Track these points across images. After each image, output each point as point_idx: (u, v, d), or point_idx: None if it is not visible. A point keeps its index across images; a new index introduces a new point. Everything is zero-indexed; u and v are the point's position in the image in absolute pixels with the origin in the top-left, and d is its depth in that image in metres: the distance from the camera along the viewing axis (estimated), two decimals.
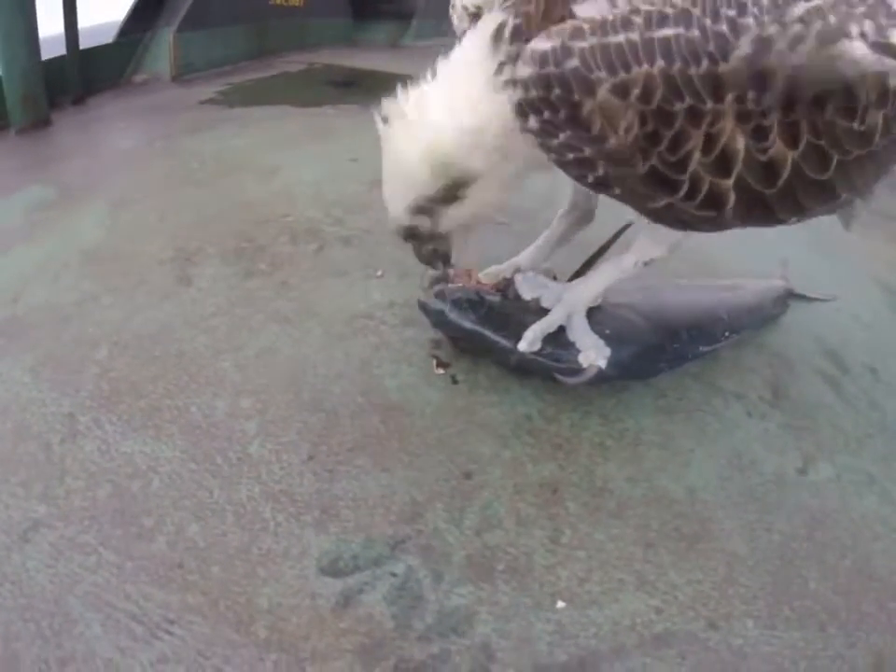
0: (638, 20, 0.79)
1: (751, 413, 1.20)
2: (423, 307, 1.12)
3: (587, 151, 0.84)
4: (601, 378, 1.06)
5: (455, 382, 1.14)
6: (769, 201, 0.87)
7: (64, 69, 2.66)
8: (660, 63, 0.79)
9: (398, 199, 0.98)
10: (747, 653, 0.85)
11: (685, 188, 0.84)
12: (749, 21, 0.79)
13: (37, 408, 1.08)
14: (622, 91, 0.80)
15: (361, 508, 0.95)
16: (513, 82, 0.85)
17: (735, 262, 1.54)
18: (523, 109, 0.85)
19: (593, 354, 1.05)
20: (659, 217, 0.92)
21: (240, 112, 2.67)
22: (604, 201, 1.12)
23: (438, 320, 1.12)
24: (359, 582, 0.86)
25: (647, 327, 1.14)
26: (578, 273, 1.14)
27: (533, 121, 0.85)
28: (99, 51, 2.93)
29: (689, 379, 1.22)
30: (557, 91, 0.81)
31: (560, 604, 0.87)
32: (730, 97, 0.79)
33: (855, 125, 0.83)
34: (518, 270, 1.15)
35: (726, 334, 1.24)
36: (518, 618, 0.85)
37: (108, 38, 3.06)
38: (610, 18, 0.80)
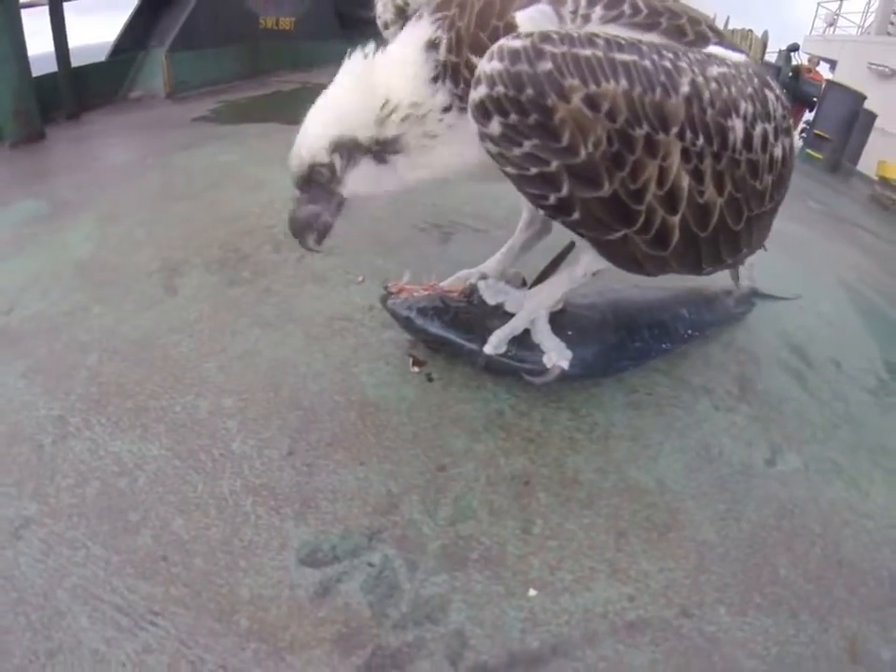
0: (600, 40, 0.80)
1: (719, 407, 1.22)
2: (392, 312, 1.15)
3: (553, 165, 0.80)
4: (566, 377, 1.09)
5: (430, 379, 1.16)
6: (700, 245, 0.94)
7: (58, 85, 2.69)
8: (623, 83, 0.79)
9: (324, 128, 0.92)
10: (719, 640, 0.87)
11: (641, 219, 0.86)
12: (685, 65, 0.84)
13: (30, 411, 1.10)
14: (593, 103, 0.78)
15: (339, 500, 0.97)
16: (476, 80, 0.78)
17: None
18: (485, 109, 0.78)
19: (554, 355, 1.08)
20: (613, 251, 0.92)
21: (231, 129, 2.70)
22: None
23: (406, 325, 1.15)
24: (337, 573, 0.88)
25: (608, 326, 1.18)
26: (539, 280, 1.18)
27: (496, 125, 0.78)
28: (93, 69, 2.98)
29: (658, 375, 1.25)
30: (530, 91, 0.76)
31: (532, 592, 0.89)
32: (675, 131, 0.83)
33: (758, 185, 0.93)
34: (483, 276, 1.18)
35: (689, 332, 1.28)
36: (491, 606, 0.87)
37: (103, 56, 3.11)
38: (574, 34, 0.79)
